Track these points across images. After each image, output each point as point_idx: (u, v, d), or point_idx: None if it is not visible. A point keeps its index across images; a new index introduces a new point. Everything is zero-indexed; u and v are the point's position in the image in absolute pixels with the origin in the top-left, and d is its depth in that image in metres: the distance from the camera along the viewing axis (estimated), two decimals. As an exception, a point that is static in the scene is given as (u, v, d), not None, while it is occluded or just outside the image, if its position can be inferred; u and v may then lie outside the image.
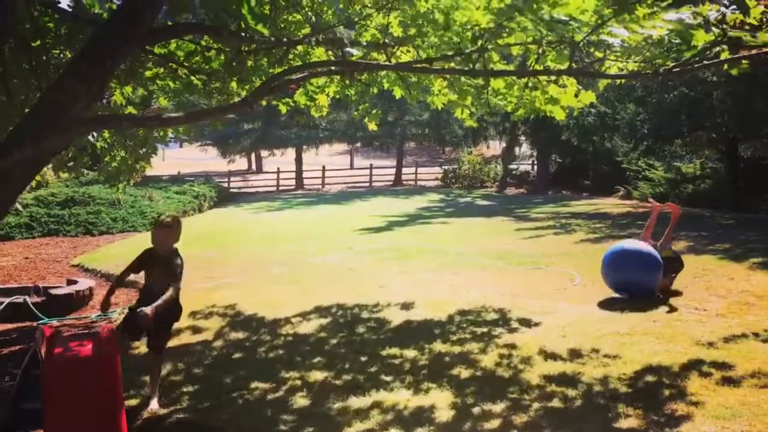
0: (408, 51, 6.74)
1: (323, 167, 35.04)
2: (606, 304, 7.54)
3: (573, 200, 22.84)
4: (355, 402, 4.93)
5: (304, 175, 34.67)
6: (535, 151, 31.64)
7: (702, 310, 7.09)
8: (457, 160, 34.22)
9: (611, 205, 20.59)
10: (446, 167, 33.97)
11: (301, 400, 5.06)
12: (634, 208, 19.36)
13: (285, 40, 6.27)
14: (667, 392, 4.86)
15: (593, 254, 11.18)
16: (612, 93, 18.61)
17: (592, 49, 5.57)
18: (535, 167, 31.24)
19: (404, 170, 35.16)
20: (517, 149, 35.41)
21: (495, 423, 4.48)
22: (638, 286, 7.61)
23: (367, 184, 33.94)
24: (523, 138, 33.23)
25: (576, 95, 6.58)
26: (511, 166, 32.23)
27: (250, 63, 6.71)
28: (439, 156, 46.26)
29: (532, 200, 23.70)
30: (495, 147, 42.96)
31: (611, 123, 20.64)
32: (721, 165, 20.31)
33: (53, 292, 8.91)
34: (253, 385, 5.44)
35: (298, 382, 5.44)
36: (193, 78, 6.94)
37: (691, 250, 10.96)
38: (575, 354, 5.85)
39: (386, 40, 6.48)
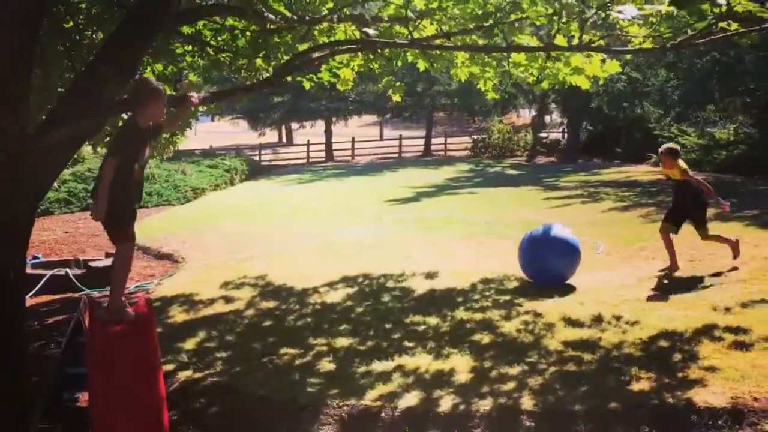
0: (431, 23, 6.84)
1: (353, 139, 35.15)
2: (628, 272, 7.64)
3: (603, 168, 22.67)
4: (379, 366, 5.17)
5: (334, 147, 34.86)
6: (565, 119, 31.33)
7: (723, 275, 7.16)
8: (487, 129, 34.02)
9: (642, 172, 20.40)
10: (476, 137, 33.83)
11: (327, 365, 5.32)
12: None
13: (307, 18, 6.43)
14: (679, 356, 5.00)
15: (619, 223, 11.27)
16: (642, 59, 18.37)
17: (614, 20, 5.62)
18: (566, 135, 30.96)
19: (434, 141, 35.09)
20: (547, 117, 35.14)
21: (511, 385, 4.69)
22: (554, 274, 7.26)
23: (397, 155, 33.99)
24: (553, 106, 32.94)
25: (602, 62, 6.62)
26: (542, 135, 31.96)
27: (275, 39, 6.88)
28: (469, 126, 46.01)
29: (562, 169, 23.58)
30: (525, 116, 42.60)
31: (641, 89, 20.37)
32: (755, 131, 19.96)
33: (93, 264, 9.29)
34: (282, 351, 5.71)
35: (325, 348, 5.71)
36: (220, 56, 7.14)
37: (719, 216, 10.90)
38: (594, 320, 6.00)
39: (409, 13, 6.59)
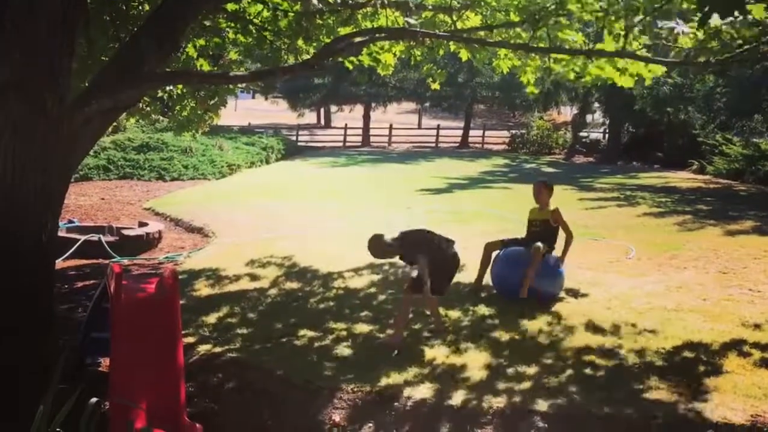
0: (476, 14, 6.78)
1: (390, 125, 35.11)
2: (657, 280, 7.52)
3: (642, 172, 22.29)
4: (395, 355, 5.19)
5: (371, 132, 34.82)
6: (607, 119, 30.84)
7: (756, 291, 7.00)
8: (526, 124, 33.68)
9: (682, 179, 20.04)
10: (514, 131, 33.53)
11: (344, 350, 5.35)
12: (705, 183, 18.82)
13: (351, 2, 6.43)
14: (702, 369, 4.93)
15: (653, 229, 11.08)
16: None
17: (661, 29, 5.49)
18: (607, 136, 30.50)
19: (471, 132, 34.86)
20: (589, 116, 34.57)
21: (525, 384, 4.66)
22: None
23: (433, 145, 33.89)
24: (596, 105, 32.43)
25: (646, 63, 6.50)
26: (582, 134, 31.54)
27: (317, 21, 6.90)
28: (509, 120, 45.58)
29: (600, 170, 23.26)
30: (567, 113, 42.00)
31: (687, 94, 19.92)
32: (803, 143, 19.42)
33: (125, 232, 9.48)
34: (302, 332, 5.76)
35: (344, 333, 5.74)
36: (263, 33, 7.19)
37: (756, 230, 10.71)
38: (617, 326, 5.92)
39: (454, 2, 6.54)
